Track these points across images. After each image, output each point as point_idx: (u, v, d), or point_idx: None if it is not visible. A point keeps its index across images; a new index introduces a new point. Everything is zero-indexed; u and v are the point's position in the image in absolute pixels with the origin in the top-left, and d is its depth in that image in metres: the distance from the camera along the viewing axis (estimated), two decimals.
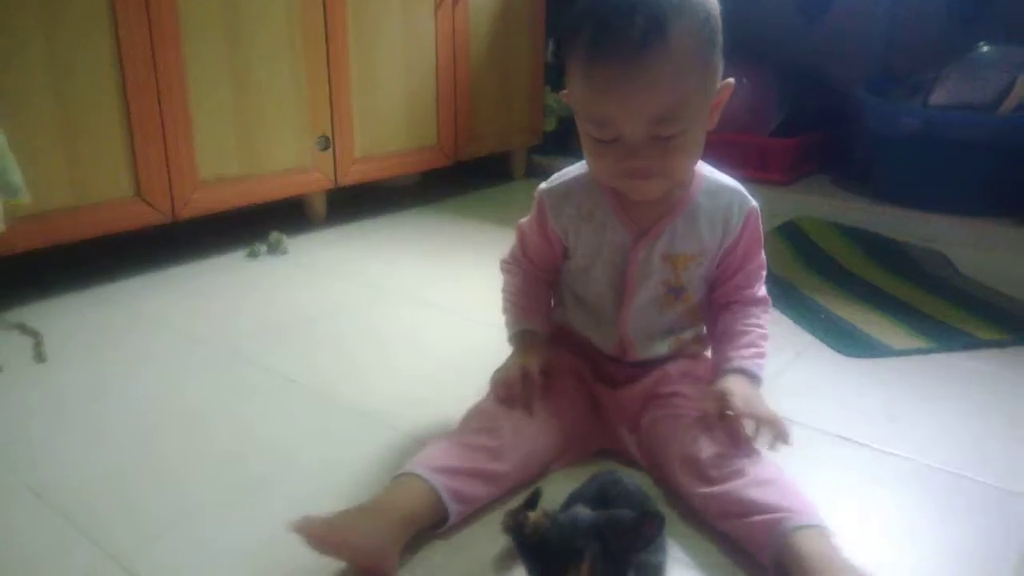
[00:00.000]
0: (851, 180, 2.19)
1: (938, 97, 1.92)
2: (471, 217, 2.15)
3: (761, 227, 0.96)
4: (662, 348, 0.99)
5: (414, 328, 1.42)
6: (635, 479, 0.81)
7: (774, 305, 0.99)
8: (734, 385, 0.87)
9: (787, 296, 1.52)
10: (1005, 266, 1.67)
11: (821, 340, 1.36)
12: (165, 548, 0.82)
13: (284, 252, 1.81)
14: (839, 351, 1.32)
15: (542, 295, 1.01)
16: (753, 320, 0.95)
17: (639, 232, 0.91)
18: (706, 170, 0.93)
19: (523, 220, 0.99)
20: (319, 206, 2.04)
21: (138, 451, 1.01)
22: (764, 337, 0.95)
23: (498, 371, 0.93)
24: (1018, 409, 1.13)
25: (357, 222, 2.09)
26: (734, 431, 0.85)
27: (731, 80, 0.84)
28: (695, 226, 0.92)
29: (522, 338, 0.97)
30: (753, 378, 0.90)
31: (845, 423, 1.08)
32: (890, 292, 1.57)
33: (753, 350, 0.92)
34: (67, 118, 1.46)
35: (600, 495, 0.74)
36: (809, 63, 2.33)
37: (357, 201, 2.19)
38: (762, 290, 0.97)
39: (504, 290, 1.01)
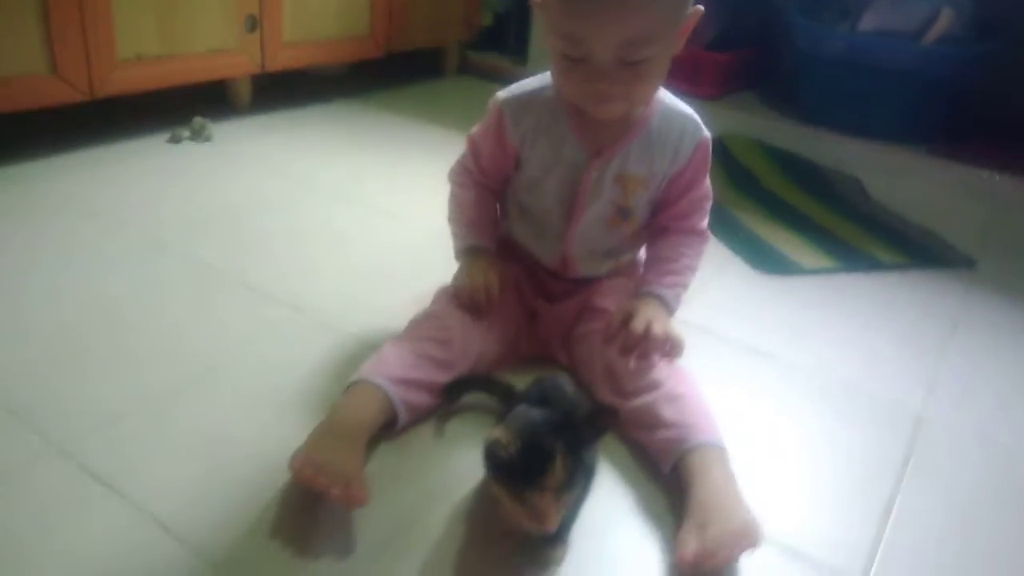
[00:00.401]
0: (778, 99, 2.22)
1: (867, 22, 1.96)
2: (400, 113, 2.11)
3: (710, 158, 0.98)
4: (602, 268, 1.04)
5: (343, 226, 1.42)
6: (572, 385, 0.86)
7: None
8: (643, 306, 0.93)
9: (712, 212, 1.57)
10: (913, 193, 1.77)
11: (739, 256, 1.44)
12: (108, 439, 0.83)
13: (208, 139, 1.75)
14: (754, 267, 1.40)
15: (492, 211, 1.03)
16: (684, 250, 0.99)
17: (595, 151, 0.93)
18: (664, 95, 0.95)
19: (474, 129, 0.99)
20: (244, 92, 1.96)
21: (65, 344, 0.99)
22: (691, 269, 0.99)
23: (457, 280, 0.96)
24: (910, 328, 1.24)
25: (282, 111, 2.02)
26: (631, 346, 0.90)
27: (700, 7, 0.85)
28: (648, 150, 0.94)
29: (475, 253, 0.99)
30: (666, 305, 0.95)
31: (755, 335, 1.17)
32: (805, 213, 1.66)
33: (674, 278, 0.97)
34: None
35: (541, 398, 0.78)
36: None
37: (282, 89, 2.11)
38: (703, 222, 1.01)
39: (454, 201, 1.02)
